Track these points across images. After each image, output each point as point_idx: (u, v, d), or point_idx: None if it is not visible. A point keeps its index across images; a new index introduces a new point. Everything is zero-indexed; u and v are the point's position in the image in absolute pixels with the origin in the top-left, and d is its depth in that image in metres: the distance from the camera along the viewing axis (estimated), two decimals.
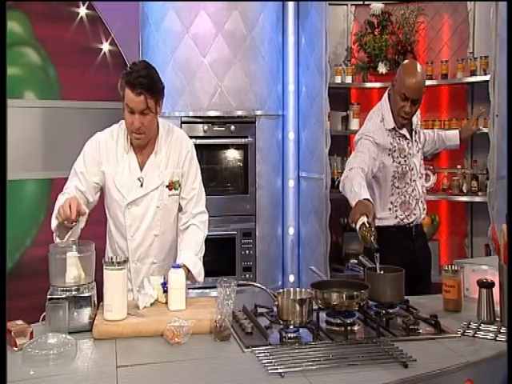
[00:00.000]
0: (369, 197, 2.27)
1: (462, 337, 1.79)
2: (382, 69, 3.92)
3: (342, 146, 4.13)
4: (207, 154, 3.63)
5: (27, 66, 3.45)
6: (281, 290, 1.87)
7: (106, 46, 3.72)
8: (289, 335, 1.73)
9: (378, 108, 2.71)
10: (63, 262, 1.84)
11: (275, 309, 1.85)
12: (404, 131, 2.65)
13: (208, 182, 3.64)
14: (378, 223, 2.57)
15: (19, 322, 1.72)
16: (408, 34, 3.95)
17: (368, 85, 4.02)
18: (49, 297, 1.79)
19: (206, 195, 3.58)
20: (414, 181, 2.67)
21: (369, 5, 4.04)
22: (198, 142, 3.53)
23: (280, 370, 1.50)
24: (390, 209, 2.65)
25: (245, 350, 1.66)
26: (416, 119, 2.73)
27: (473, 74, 3.73)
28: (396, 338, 1.76)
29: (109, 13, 3.72)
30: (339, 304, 1.83)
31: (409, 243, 2.67)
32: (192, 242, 2.18)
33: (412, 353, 1.61)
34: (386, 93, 2.70)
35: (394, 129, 2.62)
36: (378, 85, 4.01)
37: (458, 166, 3.88)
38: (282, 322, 1.79)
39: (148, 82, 2.04)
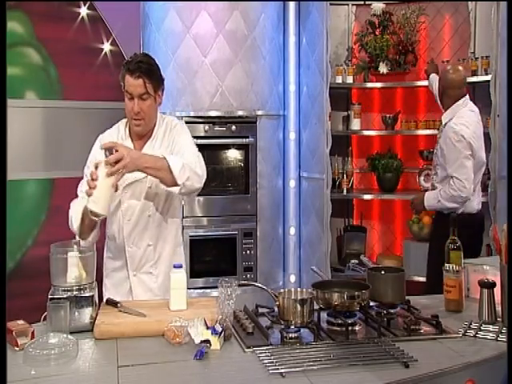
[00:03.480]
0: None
1: (464, 337, 1.78)
2: (383, 69, 3.92)
3: (342, 146, 4.13)
4: (208, 154, 3.61)
5: (28, 66, 3.45)
6: (282, 290, 1.87)
7: (107, 46, 3.72)
8: (290, 335, 1.73)
9: None
10: (64, 262, 1.84)
11: (276, 309, 1.85)
12: None
13: (209, 182, 3.60)
14: None
15: (20, 321, 1.72)
16: (409, 33, 3.95)
17: (369, 85, 4.03)
18: (50, 297, 1.79)
19: (207, 195, 3.62)
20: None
21: (370, 5, 4.04)
22: (199, 141, 3.51)
23: (281, 370, 1.50)
24: None
25: (246, 350, 1.66)
26: None
27: (474, 73, 3.72)
28: (397, 338, 1.75)
29: (110, 13, 3.73)
30: (340, 304, 1.82)
31: None
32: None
33: (413, 353, 1.61)
34: None
35: None
36: (379, 85, 4.01)
37: None
38: (283, 322, 1.78)
39: (147, 67, 2.11)
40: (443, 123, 3.09)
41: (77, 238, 2.07)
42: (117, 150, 1.91)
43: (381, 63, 3.92)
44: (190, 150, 2.19)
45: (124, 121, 2.26)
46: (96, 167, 1.91)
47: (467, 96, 3.13)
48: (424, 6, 3.96)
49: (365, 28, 4.04)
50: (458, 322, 1.90)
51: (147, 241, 2.21)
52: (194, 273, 3.49)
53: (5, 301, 1.30)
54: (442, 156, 3.03)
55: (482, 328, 1.83)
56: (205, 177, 2.18)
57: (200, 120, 3.54)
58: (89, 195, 1.88)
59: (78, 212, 2.05)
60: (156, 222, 2.21)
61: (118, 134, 2.23)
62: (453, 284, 2.04)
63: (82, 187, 2.16)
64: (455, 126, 2.98)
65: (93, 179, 1.89)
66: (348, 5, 4.15)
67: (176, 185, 2.03)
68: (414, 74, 4.04)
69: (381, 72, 3.93)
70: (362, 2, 4.13)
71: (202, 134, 3.54)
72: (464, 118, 3.02)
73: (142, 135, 2.20)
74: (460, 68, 3.19)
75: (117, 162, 1.88)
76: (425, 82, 3.98)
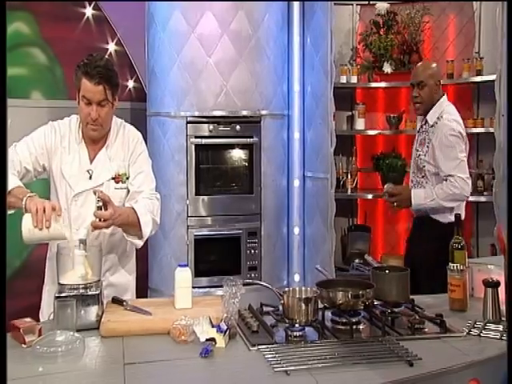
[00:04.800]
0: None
1: (468, 336, 1.79)
2: (387, 68, 3.93)
3: (347, 145, 4.14)
4: (212, 154, 3.64)
5: (34, 66, 3.47)
6: (286, 289, 1.88)
7: (111, 47, 3.74)
8: (294, 334, 1.74)
9: None
10: (70, 261, 1.85)
11: (281, 307, 1.86)
12: (418, 125, 3.04)
13: (213, 181, 3.66)
14: None
15: (28, 319, 1.74)
16: (413, 33, 3.95)
17: (373, 84, 4.03)
18: (56, 295, 1.80)
19: (212, 195, 3.63)
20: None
21: (374, 4, 4.04)
22: (204, 141, 3.55)
23: (286, 368, 1.51)
24: None
25: (251, 348, 1.67)
26: (424, 126, 2.93)
27: (479, 73, 3.72)
28: (401, 337, 1.76)
29: (115, 13, 3.74)
30: (344, 303, 1.83)
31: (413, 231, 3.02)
32: (142, 203, 2.11)
33: (417, 352, 1.62)
34: None
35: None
36: (383, 84, 4.02)
37: None
38: (287, 321, 1.79)
39: (106, 73, 2.04)
40: (431, 122, 2.86)
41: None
42: (106, 206, 1.92)
43: (385, 63, 3.93)
44: (150, 187, 2.17)
45: (75, 121, 2.17)
46: (54, 209, 1.84)
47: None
48: (428, 5, 3.96)
49: (369, 28, 4.04)
50: (463, 321, 1.90)
51: None
52: (198, 272, 3.51)
53: (5, 300, 1.30)
54: (434, 155, 2.80)
55: (487, 327, 1.84)
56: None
57: (204, 120, 3.54)
58: (34, 225, 1.81)
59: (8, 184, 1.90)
60: (109, 234, 2.14)
61: (69, 132, 2.15)
62: (457, 283, 2.04)
63: (18, 151, 2.08)
64: (450, 123, 2.80)
65: (47, 217, 1.80)
66: (352, 5, 4.15)
67: (139, 237, 2.08)
68: None
69: (385, 72, 3.94)
70: (367, 2, 4.13)
71: (207, 134, 3.55)
72: (453, 114, 2.86)
73: (96, 140, 2.15)
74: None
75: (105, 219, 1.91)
76: None
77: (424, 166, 2.86)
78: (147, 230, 2.06)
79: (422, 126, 2.95)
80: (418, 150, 2.93)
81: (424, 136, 2.90)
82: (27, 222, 1.84)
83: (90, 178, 2.12)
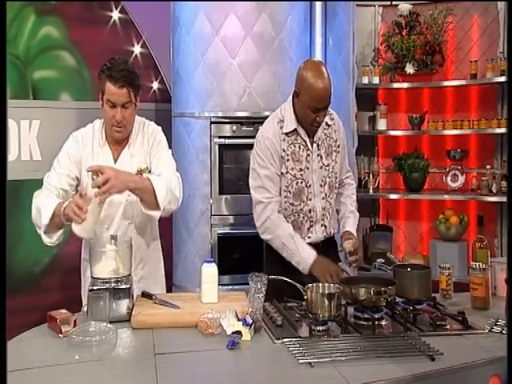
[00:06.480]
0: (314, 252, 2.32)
1: (490, 333, 1.81)
2: (409, 69, 3.93)
3: (369, 146, 4.15)
4: (235, 154, 3.69)
5: (63, 69, 3.57)
6: (310, 285, 1.92)
7: (137, 49, 3.83)
8: (318, 328, 1.78)
9: (278, 110, 2.50)
10: (103, 256, 1.92)
11: (304, 303, 1.90)
12: (305, 137, 2.36)
13: (236, 181, 3.71)
14: None
15: (63, 311, 1.82)
16: (436, 34, 3.94)
17: (395, 85, 4.04)
18: (90, 288, 1.88)
19: (235, 194, 3.68)
20: (311, 200, 2.37)
21: (396, 5, 4.05)
22: (227, 141, 3.60)
23: (310, 360, 1.56)
24: None
25: (276, 341, 1.72)
26: (322, 132, 2.38)
27: (503, 73, 3.70)
28: (423, 333, 1.79)
29: (140, 16, 3.83)
30: (367, 299, 1.87)
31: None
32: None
33: (439, 347, 1.65)
34: (291, 95, 2.46)
35: (293, 132, 2.37)
36: (405, 85, 4.02)
37: (488, 166, 3.86)
38: (311, 316, 1.84)
39: (129, 76, 2.10)
40: (329, 121, 2.42)
41: (40, 232, 2.06)
42: (102, 172, 1.94)
43: (407, 64, 3.93)
44: (169, 169, 2.20)
45: (98, 124, 2.23)
46: (80, 195, 1.92)
47: None
48: (452, 6, 3.95)
49: (391, 29, 4.05)
50: (485, 319, 1.92)
51: None
52: (220, 270, 3.53)
53: (5, 300, 1.36)
54: (341, 158, 2.45)
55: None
56: (181, 199, 2.17)
57: (228, 120, 3.60)
58: (78, 223, 1.90)
59: (49, 208, 2.01)
60: (136, 230, 2.20)
61: (93, 137, 2.20)
62: (479, 282, 2.06)
63: (50, 180, 2.16)
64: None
65: (80, 208, 1.88)
66: (374, 6, 4.16)
67: (156, 207, 2.04)
68: (441, 74, 4.03)
69: (407, 72, 3.94)
70: (389, 3, 4.14)
71: (230, 134, 3.61)
72: None
73: (119, 140, 2.21)
74: None
75: (104, 183, 1.92)
76: (452, 82, 3.97)
77: (336, 182, 2.44)
78: (162, 194, 2.03)
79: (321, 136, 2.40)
80: (328, 165, 2.38)
81: (329, 143, 2.40)
82: (76, 226, 1.94)
83: None
